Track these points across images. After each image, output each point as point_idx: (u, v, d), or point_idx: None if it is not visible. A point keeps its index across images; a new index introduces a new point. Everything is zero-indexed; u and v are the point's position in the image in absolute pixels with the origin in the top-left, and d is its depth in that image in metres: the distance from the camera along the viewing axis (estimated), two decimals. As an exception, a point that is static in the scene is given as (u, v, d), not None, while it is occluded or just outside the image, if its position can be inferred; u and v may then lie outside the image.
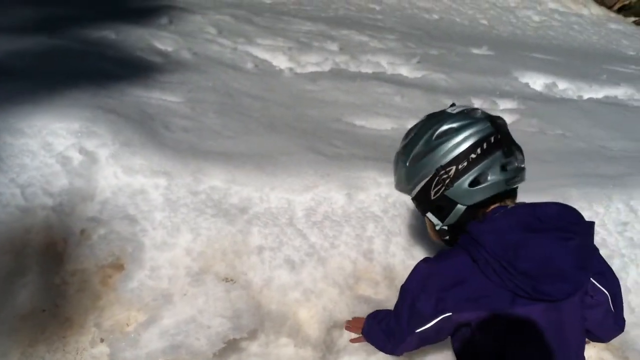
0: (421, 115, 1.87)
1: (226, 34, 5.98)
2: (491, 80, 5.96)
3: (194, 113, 3.53)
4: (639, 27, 14.60)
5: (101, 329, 2.41)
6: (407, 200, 2.88)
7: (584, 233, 1.66)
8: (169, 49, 5.00)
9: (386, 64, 6.05)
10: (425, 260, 1.79)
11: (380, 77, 5.43)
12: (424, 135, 1.74)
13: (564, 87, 6.35)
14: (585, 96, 6.17)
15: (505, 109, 4.97)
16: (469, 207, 1.70)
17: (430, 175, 1.71)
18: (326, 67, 5.59)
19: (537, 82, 6.37)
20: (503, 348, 1.64)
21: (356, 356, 2.56)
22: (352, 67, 5.80)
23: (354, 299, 2.58)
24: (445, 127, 1.70)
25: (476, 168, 1.64)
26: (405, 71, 5.93)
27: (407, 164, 1.79)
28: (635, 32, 13.65)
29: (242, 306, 2.42)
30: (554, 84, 6.33)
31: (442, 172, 1.68)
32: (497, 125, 1.68)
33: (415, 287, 1.75)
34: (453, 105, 1.82)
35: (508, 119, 4.50)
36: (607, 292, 1.77)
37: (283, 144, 3.27)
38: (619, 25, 13.98)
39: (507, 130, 1.72)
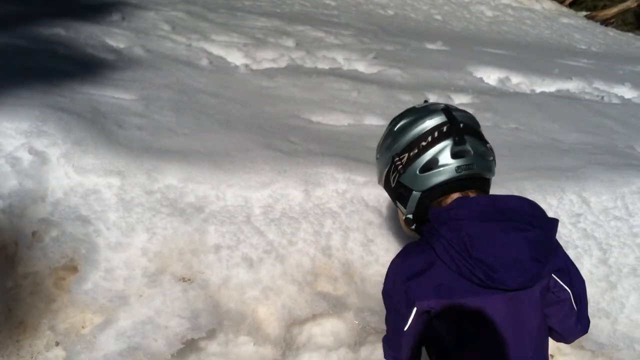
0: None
1: (180, 31, 5.92)
2: (446, 75, 6.02)
3: (148, 111, 3.48)
4: (590, 22, 14.94)
5: (56, 332, 2.36)
6: (364, 195, 2.90)
7: (543, 227, 1.69)
8: (122, 45, 4.92)
9: (342, 60, 6.07)
10: (393, 259, 1.84)
11: (336, 73, 5.43)
12: (388, 129, 1.88)
13: (518, 81, 6.45)
14: (538, 90, 6.28)
15: (460, 103, 5.01)
16: (425, 195, 1.77)
17: (389, 164, 1.84)
18: (282, 63, 5.57)
19: (491, 76, 6.45)
20: (461, 336, 1.67)
21: (317, 353, 2.56)
22: (308, 63, 5.80)
23: (313, 295, 2.57)
24: (405, 120, 1.82)
25: (425, 154, 1.73)
26: (361, 67, 5.95)
27: (377, 157, 1.95)
28: (586, 26, 13.96)
29: (200, 306, 2.39)
30: (508, 78, 6.43)
31: (397, 159, 1.80)
32: (451, 116, 1.76)
33: (390, 287, 1.80)
34: (426, 101, 1.95)
35: (463, 113, 4.55)
36: (569, 290, 1.78)
37: (239, 141, 3.25)
38: (570, 19, 14.29)
39: (465, 121, 1.79)
